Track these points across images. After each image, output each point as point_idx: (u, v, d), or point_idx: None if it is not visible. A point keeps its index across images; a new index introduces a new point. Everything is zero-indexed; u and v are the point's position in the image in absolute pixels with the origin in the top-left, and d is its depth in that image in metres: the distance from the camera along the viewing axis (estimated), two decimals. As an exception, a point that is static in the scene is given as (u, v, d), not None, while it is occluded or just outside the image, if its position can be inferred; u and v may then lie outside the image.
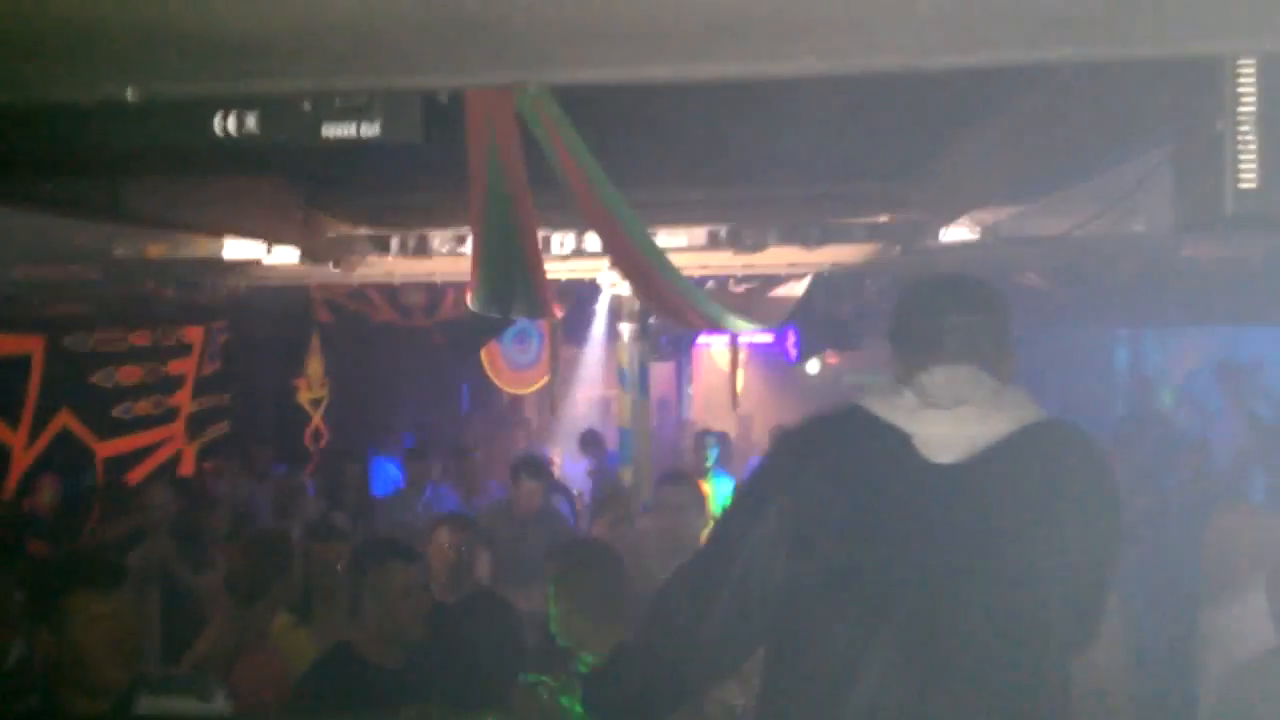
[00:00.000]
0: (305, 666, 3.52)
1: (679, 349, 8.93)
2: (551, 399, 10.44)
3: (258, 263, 6.58)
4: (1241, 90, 2.34)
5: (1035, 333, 9.29)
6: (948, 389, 2.04)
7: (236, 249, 6.22)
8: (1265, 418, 7.84)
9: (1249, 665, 3.35)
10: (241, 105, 2.34)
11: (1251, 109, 2.37)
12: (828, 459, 2.07)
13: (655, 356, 8.09)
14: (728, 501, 2.25)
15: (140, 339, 7.39)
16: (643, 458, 7.61)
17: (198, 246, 6.08)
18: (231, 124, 2.34)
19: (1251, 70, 2.33)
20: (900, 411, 2.04)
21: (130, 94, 2.20)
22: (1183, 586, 4.83)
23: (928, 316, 2.13)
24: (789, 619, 2.02)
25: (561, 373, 10.49)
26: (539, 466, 6.10)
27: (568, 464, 8.82)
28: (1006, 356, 2.13)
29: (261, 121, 2.34)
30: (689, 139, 4.42)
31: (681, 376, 10.63)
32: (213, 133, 2.34)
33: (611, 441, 8.46)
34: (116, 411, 7.27)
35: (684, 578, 2.17)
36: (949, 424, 2.01)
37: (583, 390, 11.05)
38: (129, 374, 7.33)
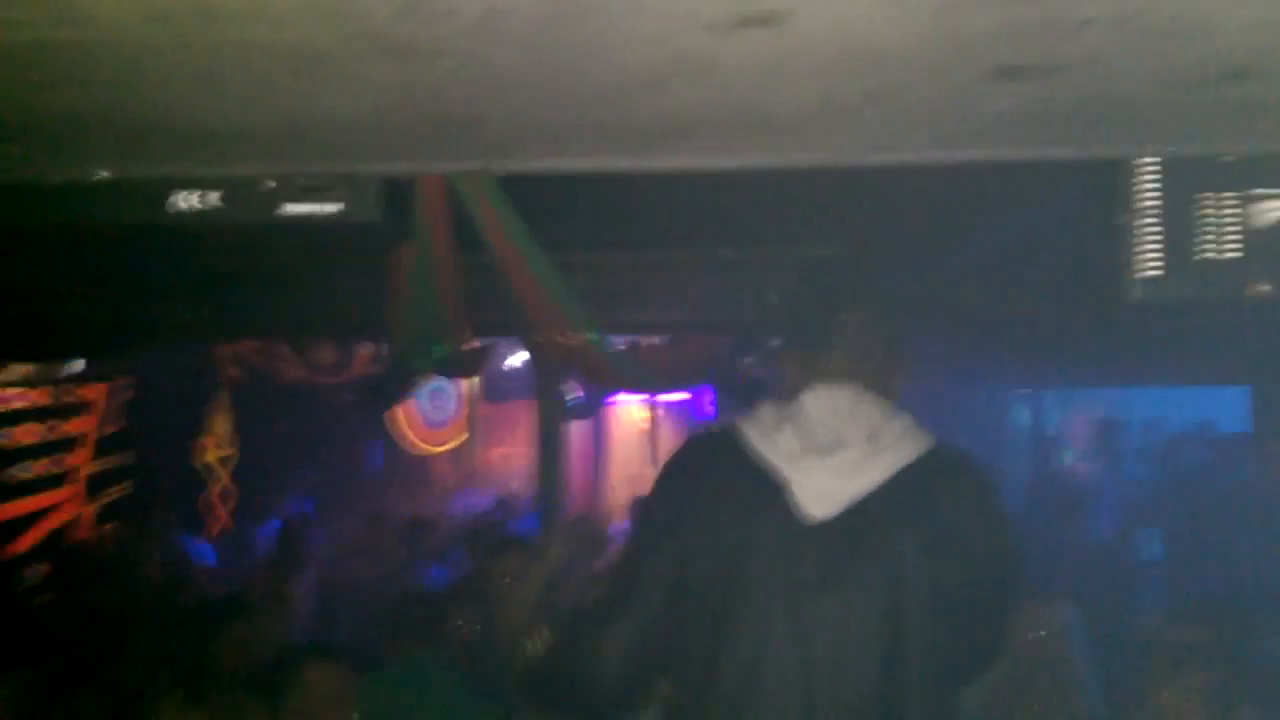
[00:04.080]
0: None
1: (594, 407, 8.96)
2: (466, 457, 10.32)
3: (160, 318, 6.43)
4: (1140, 188, 2.53)
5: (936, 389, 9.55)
6: (830, 423, 1.93)
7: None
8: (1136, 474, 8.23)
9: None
10: (204, 185, 2.34)
11: (1151, 204, 2.57)
12: (703, 495, 1.98)
13: (572, 415, 8.10)
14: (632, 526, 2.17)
15: (38, 397, 7.10)
16: (556, 515, 7.56)
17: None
18: (193, 201, 2.33)
19: (1151, 170, 2.52)
20: (778, 454, 1.94)
21: (100, 175, 2.20)
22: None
23: (816, 314, 2.03)
24: (688, 650, 1.95)
25: (478, 430, 10.38)
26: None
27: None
28: (898, 367, 2.03)
29: (223, 199, 2.34)
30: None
31: (597, 434, 10.64)
32: (168, 210, 2.33)
33: (527, 498, 8.38)
34: (9, 473, 6.95)
35: (594, 601, 2.11)
36: (825, 475, 1.91)
37: (498, 449, 10.96)
38: (25, 433, 7.03)
